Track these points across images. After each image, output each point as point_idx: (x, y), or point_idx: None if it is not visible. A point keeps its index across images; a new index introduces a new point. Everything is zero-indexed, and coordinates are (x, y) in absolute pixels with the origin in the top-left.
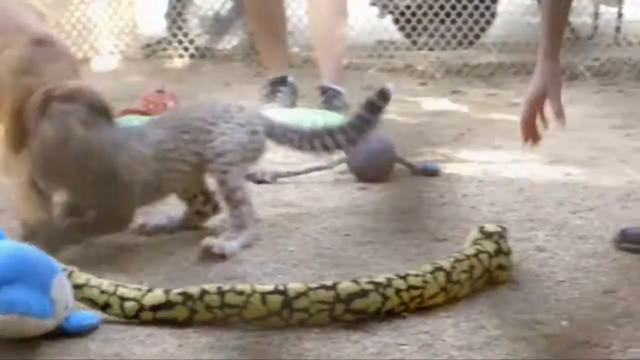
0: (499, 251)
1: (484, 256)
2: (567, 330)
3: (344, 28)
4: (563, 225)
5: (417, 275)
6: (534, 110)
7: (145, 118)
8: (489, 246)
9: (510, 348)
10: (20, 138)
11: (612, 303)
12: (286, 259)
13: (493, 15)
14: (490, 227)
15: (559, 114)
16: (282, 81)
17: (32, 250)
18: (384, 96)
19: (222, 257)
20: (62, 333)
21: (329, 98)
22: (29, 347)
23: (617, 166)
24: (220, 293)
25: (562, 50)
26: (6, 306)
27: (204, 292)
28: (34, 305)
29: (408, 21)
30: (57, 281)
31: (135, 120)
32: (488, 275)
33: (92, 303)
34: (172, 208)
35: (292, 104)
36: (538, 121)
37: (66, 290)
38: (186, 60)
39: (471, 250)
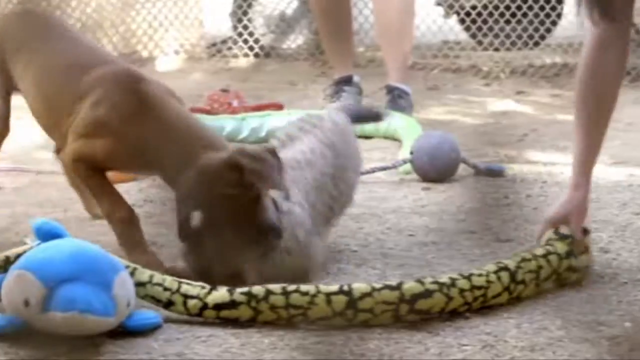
0: (570, 253)
1: (553, 257)
2: (630, 332)
3: (411, 27)
4: (627, 227)
5: (480, 275)
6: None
7: (210, 117)
8: (561, 248)
9: (572, 349)
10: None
11: None
12: (350, 259)
13: (559, 16)
14: (565, 230)
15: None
16: (347, 81)
17: (93, 248)
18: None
19: None
20: (126, 332)
21: (395, 98)
22: (94, 344)
23: None
24: (285, 293)
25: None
26: (66, 304)
27: (268, 292)
28: (95, 302)
29: (474, 21)
30: (118, 279)
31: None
32: (556, 277)
33: (155, 300)
34: None
35: (357, 104)
36: None
37: (128, 288)
38: (251, 59)
39: (541, 251)
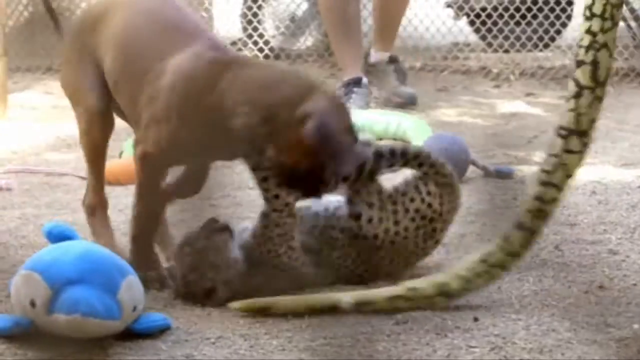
0: None
1: None
2: (639, 334)
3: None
4: (636, 229)
5: None
6: None
7: None
8: None
9: (581, 351)
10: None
11: None
12: None
13: (569, 17)
14: None
15: None
16: (357, 82)
17: (102, 251)
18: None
19: None
20: (134, 334)
21: (400, 66)
22: (101, 346)
23: None
24: None
25: (628, 53)
26: (69, 306)
27: None
28: (98, 305)
29: (483, 23)
30: (126, 283)
31: None
32: None
33: None
34: None
35: (366, 105)
36: None
37: (136, 292)
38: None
39: None
